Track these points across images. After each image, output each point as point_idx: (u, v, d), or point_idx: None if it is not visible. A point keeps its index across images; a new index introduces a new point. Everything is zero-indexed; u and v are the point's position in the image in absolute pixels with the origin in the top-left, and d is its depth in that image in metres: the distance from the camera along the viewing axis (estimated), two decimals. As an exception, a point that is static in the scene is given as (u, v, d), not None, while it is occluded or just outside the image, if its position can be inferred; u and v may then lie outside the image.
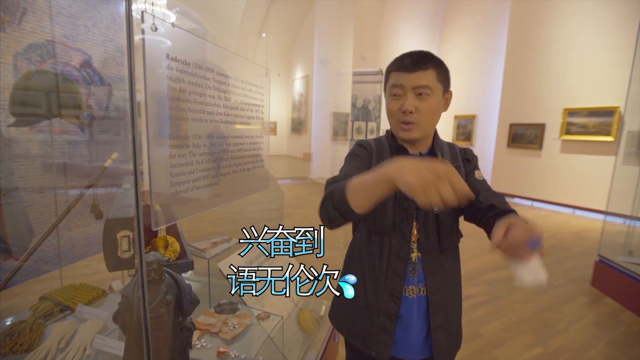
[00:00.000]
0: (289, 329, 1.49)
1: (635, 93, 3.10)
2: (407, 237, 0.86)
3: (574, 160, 6.12)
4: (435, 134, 0.92)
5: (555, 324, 2.39)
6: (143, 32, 0.61)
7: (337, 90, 7.85)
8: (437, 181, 0.53)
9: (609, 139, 5.56)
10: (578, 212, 6.03)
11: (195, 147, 0.87)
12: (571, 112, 6.07)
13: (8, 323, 1.23)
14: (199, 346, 1.21)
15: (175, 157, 0.78)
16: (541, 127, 6.56)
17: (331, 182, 0.77)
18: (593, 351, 2.10)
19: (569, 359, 2.02)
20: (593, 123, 5.78)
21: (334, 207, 0.69)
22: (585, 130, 5.90)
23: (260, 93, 1.28)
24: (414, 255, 0.87)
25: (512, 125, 7.06)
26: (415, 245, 0.87)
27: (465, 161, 0.93)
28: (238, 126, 1.13)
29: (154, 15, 0.62)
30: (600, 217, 5.22)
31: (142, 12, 0.61)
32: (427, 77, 0.80)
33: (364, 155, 0.90)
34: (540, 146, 6.60)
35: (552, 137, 6.41)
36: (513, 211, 0.77)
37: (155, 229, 0.71)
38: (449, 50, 9.42)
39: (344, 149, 7.42)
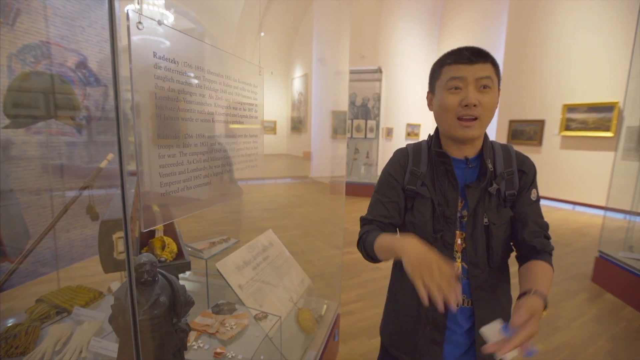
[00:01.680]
0: (288, 329, 1.49)
1: (634, 88, 3.08)
2: (450, 245, 0.84)
3: (574, 156, 6.11)
4: (486, 136, 0.86)
5: (555, 321, 2.39)
6: (129, 31, 0.60)
7: (336, 89, 7.82)
8: (428, 276, 0.62)
9: (609, 134, 5.55)
10: (578, 208, 6.02)
11: (186, 147, 0.86)
12: (570, 108, 6.06)
13: (9, 325, 1.22)
14: (196, 347, 1.20)
15: (165, 157, 0.77)
16: (541, 124, 6.55)
17: (364, 223, 0.92)
18: (594, 347, 2.09)
19: (569, 355, 2.02)
20: (592, 119, 5.77)
21: (366, 253, 0.85)
22: (584, 126, 5.89)
23: (253, 92, 1.27)
24: (457, 264, 0.84)
25: (511, 122, 7.05)
26: (458, 254, 0.84)
27: (521, 173, 0.85)
28: (231, 125, 1.12)
29: (140, 14, 0.61)
30: (600, 212, 5.21)
31: (127, 11, 0.60)
32: (488, 69, 0.75)
33: (399, 177, 0.89)
34: (540, 142, 6.59)
35: (552, 133, 6.40)
36: (548, 253, 0.82)
37: (146, 230, 0.71)
38: (447, 48, 9.33)
39: (343, 147, 7.42)
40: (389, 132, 9.06)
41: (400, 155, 0.92)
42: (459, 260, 0.84)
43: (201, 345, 1.22)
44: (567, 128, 6.12)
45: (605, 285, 2.90)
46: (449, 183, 0.83)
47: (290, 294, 1.57)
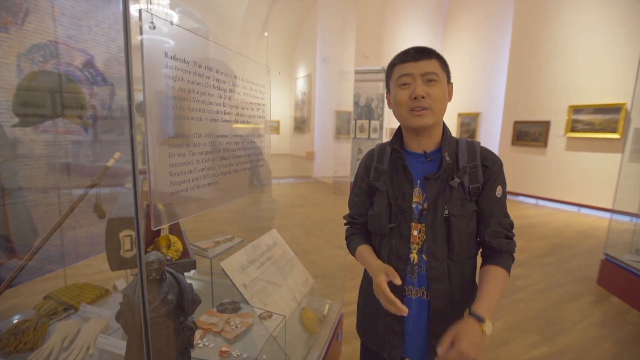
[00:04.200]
0: (291, 328, 1.49)
1: (642, 89, 3.05)
2: (406, 237, 0.87)
3: (580, 158, 6.06)
4: (445, 130, 0.88)
5: (560, 323, 2.37)
6: (141, 30, 0.61)
7: (340, 89, 7.84)
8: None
9: (615, 136, 5.50)
10: (583, 210, 5.97)
11: (195, 147, 0.86)
12: (576, 109, 6.01)
13: (15, 321, 1.23)
14: (201, 345, 1.21)
15: (175, 156, 0.78)
16: (546, 125, 6.50)
17: (345, 223, 1.05)
18: (598, 350, 2.08)
19: (574, 358, 2.00)
20: (599, 120, 5.72)
21: (352, 254, 0.99)
22: (591, 127, 5.84)
23: (261, 92, 1.27)
24: (412, 256, 0.87)
25: (516, 123, 7.01)
26: (414, 246, 0.87)
27: (484, 167, 0.86)
28: (239, 125, 1.12)
29: (151, 14, 0.62)
30: (606, 215, 5.16)
31: (140, 11, 0.60)
32: (433, 64, 0.81)
33: (364, 176, 0.98)
34: (545, 144, 6.54)
35: (557, 134, 6.35)
36: (508, 253, 0.86)
37: (156, 229, 0.71)
38: (451, 48, 9.36)
39: (346, 148, 7.41)
40: (392, 132, 9.04)
41: (367, 157, 1.01)
42: (415, 252, 0.87)
43: (207, 343, 1.22)
44: (573, 129, 6.08)
45: (611, 288, 2.88)
46: (405, 177, 0.87)
47: (294, 294, 1.57)
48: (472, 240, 0.87)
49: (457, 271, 0.86)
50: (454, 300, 0.86)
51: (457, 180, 0.83)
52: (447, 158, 0.84)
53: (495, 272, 0.83)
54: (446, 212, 0.83)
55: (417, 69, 0.81)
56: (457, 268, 0.85)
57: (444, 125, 0.89)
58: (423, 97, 0.80)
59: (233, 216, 4.47)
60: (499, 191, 0.85)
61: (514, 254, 0.88)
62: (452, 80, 0.88)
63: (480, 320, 0.74)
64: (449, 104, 0.87)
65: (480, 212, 0.86)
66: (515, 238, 0.88)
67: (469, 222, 0.84)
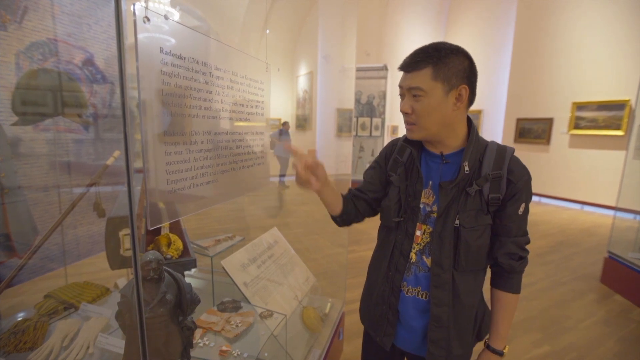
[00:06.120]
0: (293, 327, 1.49)
1: (647, 85, 3.01)
2: (410, 235, 0.87)
3: (583, 155, 6.02)
4: (471, 135, 0.82)
5: (563, 322, 2.36)
6: (135, 25, 0.60)
7: (341, 87, 7.82)
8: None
9: (619, 133, 5.45)
10: (587, 208, 5.94)
11: (193, 144, 0.85)
12: (580, 106, 5.96)
13: (18, 319, 1.23)
14: (201, 345, 1.20)
15: (172, 154, 0.77)
16: (549, 122, 6.46)
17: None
18: (602, 349, 2.06)
19: (577, 356, 1.99)
20: (603, 117, 5.67)
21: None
22: (594, 124, 5.80)
23: (260, 88, 1.26)
24: (411, 254, 0.87)
25: (519, 120, 6.97)
26: (415, 246, 0.86)
27: (508, 181, 0.79)
28: (237, 122, 1.11)
29: (146, 8, 0.61)
30: (610, 212, 5.13)
31: (134, 6, 0.59)
32: (420, 77, 0.76)
33: (382, 159, 0.98)
34: (548, 141, 6.50)
35: (561, 131, 6.31)
36: (517, 273, 0.85)
37: (153, 228, 0.70)
38: (454, 45, 9.31)
39: (348, 146, 7.40)
40: (394, 130, 9.01)
41: (389, 145, 1.00)
42: (414, 252, 0.86)
43: (207, 342, 1.22)
44: (577, 126, 6.03)
45: (615, 286, 2.86)
46: (417, 176, 0.86)
47: (295, 292, 1.57)
48: (482, 253, 0.83)
49: (462, 281, 0.82)
50: (456, 309, 0.83)
51: (474, 187, 0.78)
52: (466, 168, 0.78)
53: (507, 300, 0.86)
54: (457, 222, 0.79)
55: (405, 82, 0.79)
56: (462, 278, 0.82)
57: (472, 128, 0.83)
58: (407, 113, 0.80)
59: (234, 214, 4.47)
60: (521, 208, 0.81)
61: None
62: None
63: (499, 354, 0.85)
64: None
65: (497, 228, 0.82)
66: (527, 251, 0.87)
67: (480, 235, 0.80)
